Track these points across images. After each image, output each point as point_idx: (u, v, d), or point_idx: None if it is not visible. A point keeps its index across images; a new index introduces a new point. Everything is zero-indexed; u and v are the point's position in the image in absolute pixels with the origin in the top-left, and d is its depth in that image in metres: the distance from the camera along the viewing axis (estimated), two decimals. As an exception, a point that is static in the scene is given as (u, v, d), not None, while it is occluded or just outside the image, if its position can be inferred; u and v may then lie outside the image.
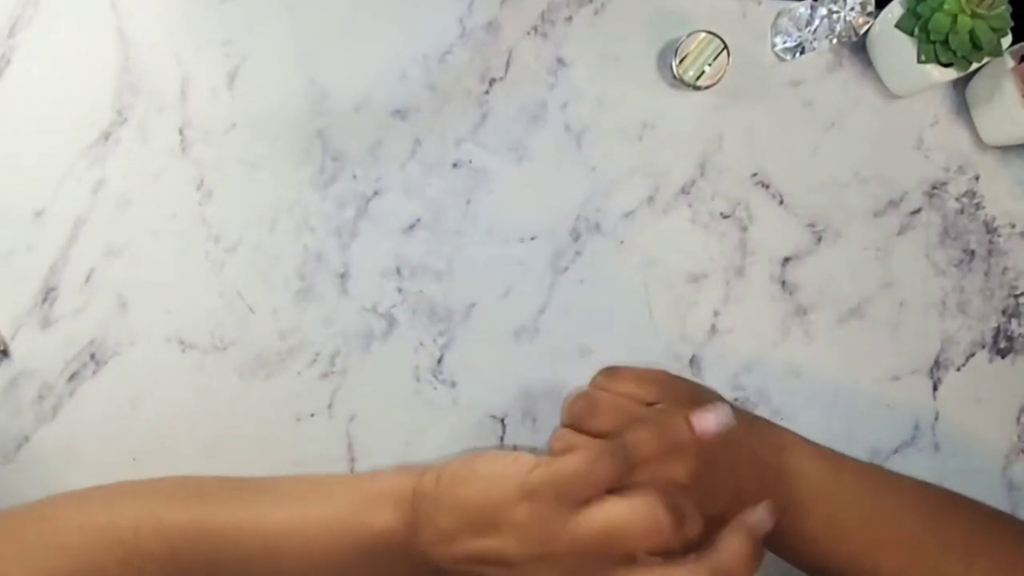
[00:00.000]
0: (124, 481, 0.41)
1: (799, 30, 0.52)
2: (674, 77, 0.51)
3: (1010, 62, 0.50)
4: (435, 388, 0.50)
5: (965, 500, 0.42)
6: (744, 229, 0.52)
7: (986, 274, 0.54)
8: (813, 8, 0.51)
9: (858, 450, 0.50)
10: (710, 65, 0.51)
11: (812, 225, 0.53)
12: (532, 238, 0.51)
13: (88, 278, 0.48)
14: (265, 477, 0.42)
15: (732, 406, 0.42)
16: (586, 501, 0.34)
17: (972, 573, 0.39)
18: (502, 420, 0.50)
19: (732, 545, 0.35)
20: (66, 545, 0.36)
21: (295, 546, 0.38)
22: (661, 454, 0.36)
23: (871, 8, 0.50)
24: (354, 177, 0.50)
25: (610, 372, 0.43)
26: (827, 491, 0.41)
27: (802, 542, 0.41)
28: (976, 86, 0.54)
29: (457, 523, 0.36)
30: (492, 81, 0.52)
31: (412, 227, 0.51)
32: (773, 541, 0.42)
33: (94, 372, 0.48)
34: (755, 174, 0.53)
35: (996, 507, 0.42)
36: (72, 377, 0.48)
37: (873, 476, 0.43)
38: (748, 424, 0.42)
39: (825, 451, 0.42)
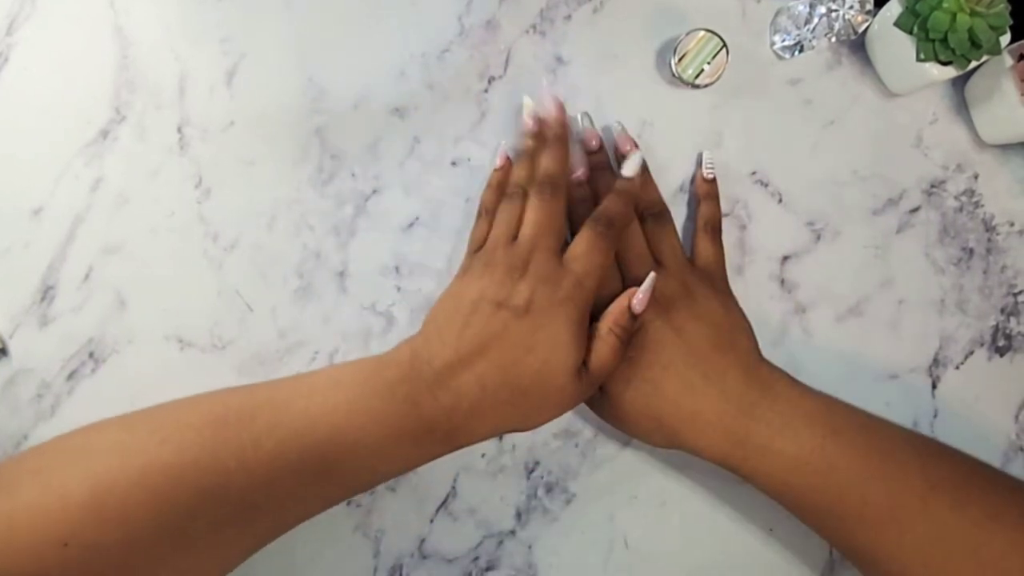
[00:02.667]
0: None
1: (798, 28, 0.52)
2: (673, 75, 0.51)
3: (1009, 60, 0.51)
4: (434, 386, 0.50)
5: (954, 449, 0.42)
6: (743, 227, 0.52)
7: (985, 272, 0.54)
8: (812, 6, 0.51)
9: (857, 448, 0.50)
10: (709, 63, 0.51)
11: (811, 223, 0.53)
12: (531, 236, 0.51)
13: (86, 276, 0.48)
14: None
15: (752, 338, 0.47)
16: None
17: (961, 514, 0.39)
18: (501, 418, 0.50)
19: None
20: (107, 442, 0.37)
21: (324, 382, 0.40)
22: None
23: (870, 6, 0.50)
24: (353, 175, 0.50)
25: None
26: (818, 418, 0.42)
27: (793, 467, 0.41)
28: (975, 84, 0.54)
29: (435, 326, 0.41)
30: (491, 79, 0.52)
31: (411, 225, 0.51)
32: (759, 463, 0.42)
33: (92, 370, 0.48)
34: (754, 172, 0.53)
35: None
36: (71, 375, 0.48)
37: (861, 413, 0.43)
38: (754, 352, 0.45)
39: (813, 389, 0.44)
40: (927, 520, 0.39)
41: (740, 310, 0.47)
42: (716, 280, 0.48)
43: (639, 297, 0.43)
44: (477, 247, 0.46)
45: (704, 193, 0.51)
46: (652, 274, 0.44)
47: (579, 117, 0.50)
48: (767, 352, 0.46)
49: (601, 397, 0.46)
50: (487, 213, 0.47)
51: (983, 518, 0.38)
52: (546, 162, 0.46)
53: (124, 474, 0.35)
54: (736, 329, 0.46)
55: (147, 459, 0.35)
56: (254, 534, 0.39)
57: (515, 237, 0.44)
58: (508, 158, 0.49)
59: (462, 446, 0.41)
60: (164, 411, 0.39)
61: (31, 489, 0.34)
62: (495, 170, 0.49)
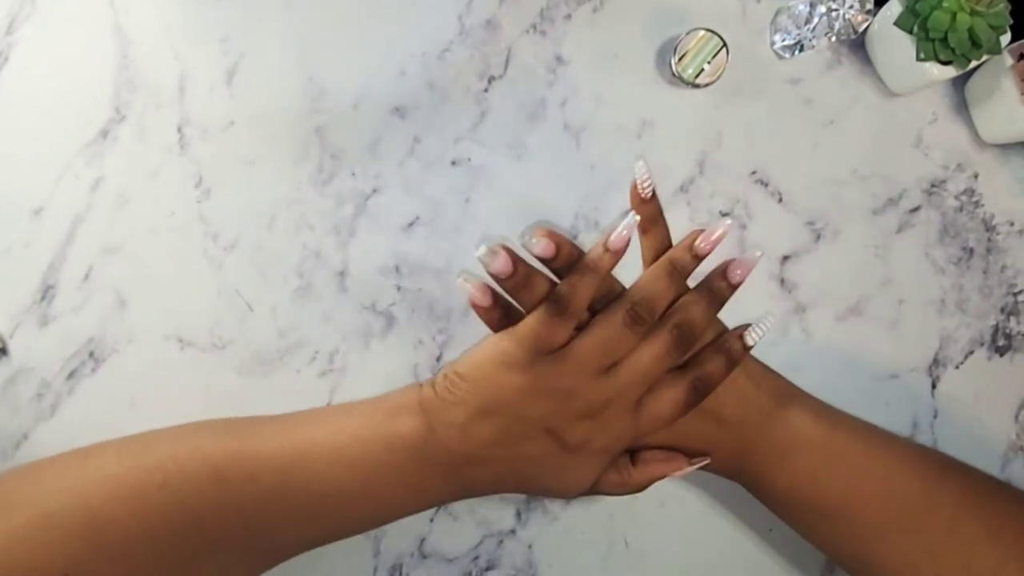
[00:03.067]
0: (158, 428, 0.41)
1: (798, 28, 0.52)
2: (673, 75, 0.51)
3: (1009, 60, 0.50)
4: (434, 386, 0.50)
5: (959, 464, 0.42)
6: (743, 227, 0.52)
7: (985, 272, 0.54)
8: (812, 6, 0.51)
9: (857, 448, 0.49)
10: (709, 63, 0.51)
11: (811, 223, 0.53)
12: (531, 236, 0.51)
13: (87, 276, 0.48)
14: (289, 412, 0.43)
15: (751, 357, 0.43)
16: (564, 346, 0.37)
17: (956, 534, 0.38)
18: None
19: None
20: (104, 475, 0.36)
21: (328, 453, 0.38)
22: (598, 294, 0.38)
23: (870, 6, 0.50)
24: (353, 175, 0.50)
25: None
26: (814, 447, 0.41)
27: (780, 491, 0.41)
28: (975, 84, 0.54)
29: (464, 414, 0.37)
30: (491, 79, 0.52)
31: (411, 225, 0.51)
32: (754, 484, 0.42)
33: (93, 370, 0.48)
34: (754, 172, 0.53)
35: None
36: (71, 375, 0.48)
37: (867, 436, 0.42)
38: (760, 369, 0.43)
39: (825, 409, 0.42)
40: (921, 539, 0.39)
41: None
42: None
43: (684, 469, 0.41)
44: (543, 347, 0.37)
45: (647, 216, 0.40)
46: (706, 461, 0.41)
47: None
48: (767, 352, 0.46)
49: None
50: (570, 314, 0.37)
51: (982, 535, 0.38)
52: (695, 308, 0.39)
53: (122, 512, 0.35)
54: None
55: (146, 502, 0.36)
56: (259, 567, 0.40)
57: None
58: (625, 243, 0.37)
59: None
60: (160, 447, 0.38)
61: (29, 516, 0.35)
62: (608, 250, 0.37)
